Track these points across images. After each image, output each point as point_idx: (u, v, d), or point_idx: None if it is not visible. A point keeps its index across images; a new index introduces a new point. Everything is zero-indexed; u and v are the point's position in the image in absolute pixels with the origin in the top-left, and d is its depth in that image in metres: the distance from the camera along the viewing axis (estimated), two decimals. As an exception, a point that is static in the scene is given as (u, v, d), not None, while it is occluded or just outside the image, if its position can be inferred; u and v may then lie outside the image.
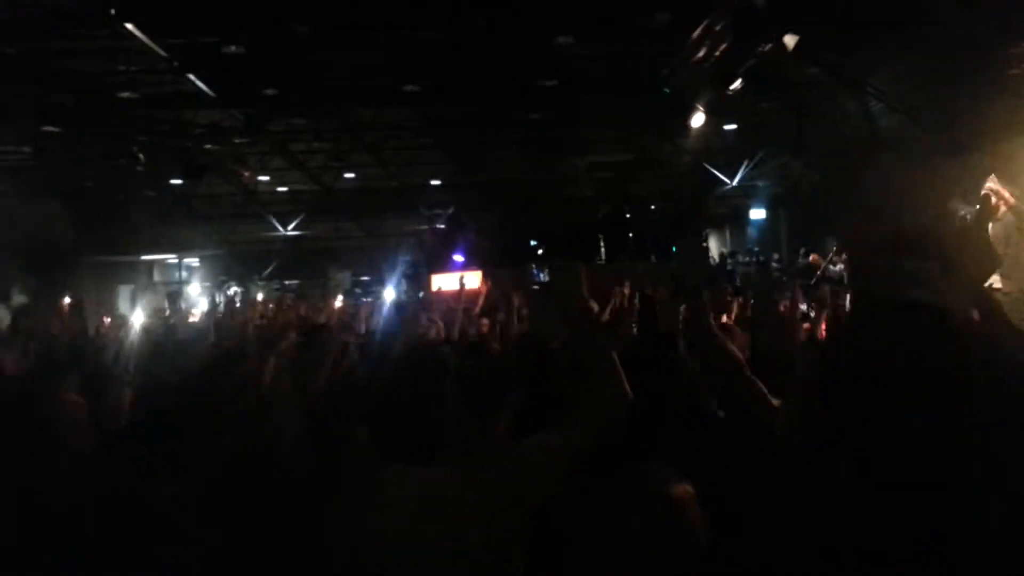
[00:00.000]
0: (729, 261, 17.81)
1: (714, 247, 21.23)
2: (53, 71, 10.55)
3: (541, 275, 14.83)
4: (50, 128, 11.89)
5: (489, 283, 7.12)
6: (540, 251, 20.54)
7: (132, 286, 19.07)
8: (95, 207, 16.73)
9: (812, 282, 9.81)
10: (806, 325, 4.72)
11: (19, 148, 13.16)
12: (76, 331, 5.48)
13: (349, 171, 17.89)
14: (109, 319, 7.45)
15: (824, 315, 4.73)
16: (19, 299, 14.06)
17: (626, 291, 5.14)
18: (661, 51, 10.78)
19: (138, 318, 8.35)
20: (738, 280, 13.36)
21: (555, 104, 12.69)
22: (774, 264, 15.48)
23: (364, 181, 19.04)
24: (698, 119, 11.65)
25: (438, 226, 20.05)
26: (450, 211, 20.08)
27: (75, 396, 2.55)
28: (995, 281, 5.96)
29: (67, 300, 7.70)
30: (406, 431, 2.08)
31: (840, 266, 9.35)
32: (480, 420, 1.98)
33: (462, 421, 1.99)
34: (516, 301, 4.80)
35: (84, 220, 17.35)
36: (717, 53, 10.12)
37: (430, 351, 2.72)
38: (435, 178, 19.43)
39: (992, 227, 9.31)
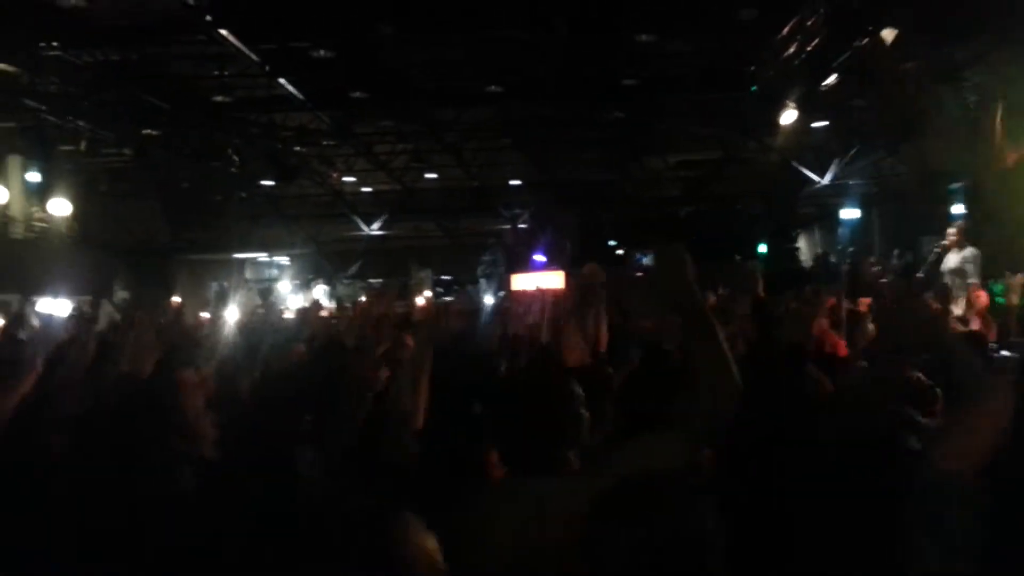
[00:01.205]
0: (832, 260, 17.20)
1: (804, 248, 20.55)
2: (153, 76, 11.03)
3: (644, 259, 14.63)
4: (150, 131, 12.46)
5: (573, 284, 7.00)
6: (619, 251, 20.34)
7: (225, 283, 19.83)
8: (190, 207, 17.44)
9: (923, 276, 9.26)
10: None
11: (121, 151, 13.81)
12: (186, 325, 5.74)
13: (431, 172, 18.14)
14: (207, 315, 7.78)
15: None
16: (121, 295, 14.82)
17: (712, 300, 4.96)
18: (748, 47, 10.51)
19: (232, 314, 8.67)
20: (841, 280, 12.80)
21: (637, 103, 12.53)
22: (873, 268, 14.87)
23: (445, 181, 19.29)
24: (788, 116, 11.29)
25: (519, 226, 20.09)
26: (530, 211, 20.10)
27: (197, 380, 2.69)
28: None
29: (176, 299, 8.06)
30: (522, 440, 2.06)
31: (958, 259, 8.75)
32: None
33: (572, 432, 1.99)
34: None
35: (180, 220, 18.12)
36: (809, 48, 9.82)
37: (552, 360, 2.71)
38: (515, 178, 19.51)
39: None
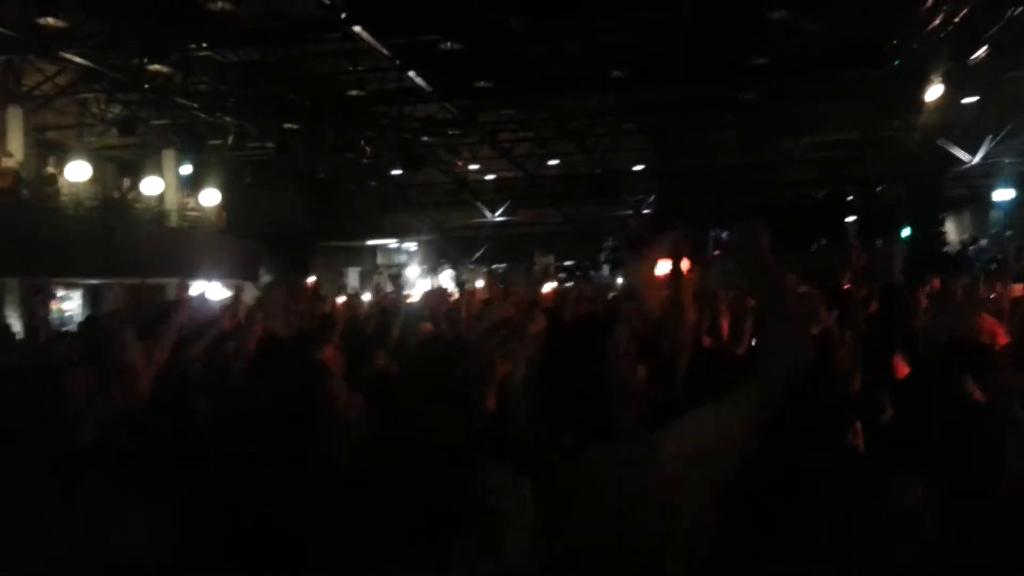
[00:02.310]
0: (971, 249, 16.04)
1: (952, 232, 19.15)
2: (293, 74, 11.64)
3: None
4: (290, 125, 13.15)
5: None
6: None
7: (359, 268, 20.72)
8: (326, 197, 18.29)
9: None
10: None
11: (264, 144, 14.64)
12: (321, 306, 6.11)
13: (553, 158, 18.20)
14: (343, 298, 8.21)
15: None
16: (266, 279, 15.75)
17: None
18: (889, 21, 9.94)
19: (366, 297, 9.09)
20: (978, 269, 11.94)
21: (767, 83, 12.10)
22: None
23: (567, 168, 19.30)
24: (934, 92, 10.61)
25: (643, 211, 19.85)
26: (654, 197, 19.82)
27: (335, 354, 2.91)
28: None
29: (311, 279, 8.50)
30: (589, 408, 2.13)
31: None
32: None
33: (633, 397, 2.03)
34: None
35: (316, 208, 19.05)
36: (957, 19, 9.20)
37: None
38: (638, 164, 19.27)
39: None
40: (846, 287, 5.24)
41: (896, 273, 9.99)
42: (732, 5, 9.15)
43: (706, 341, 3.49)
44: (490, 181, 20.61)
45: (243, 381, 3.10)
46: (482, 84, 11.70)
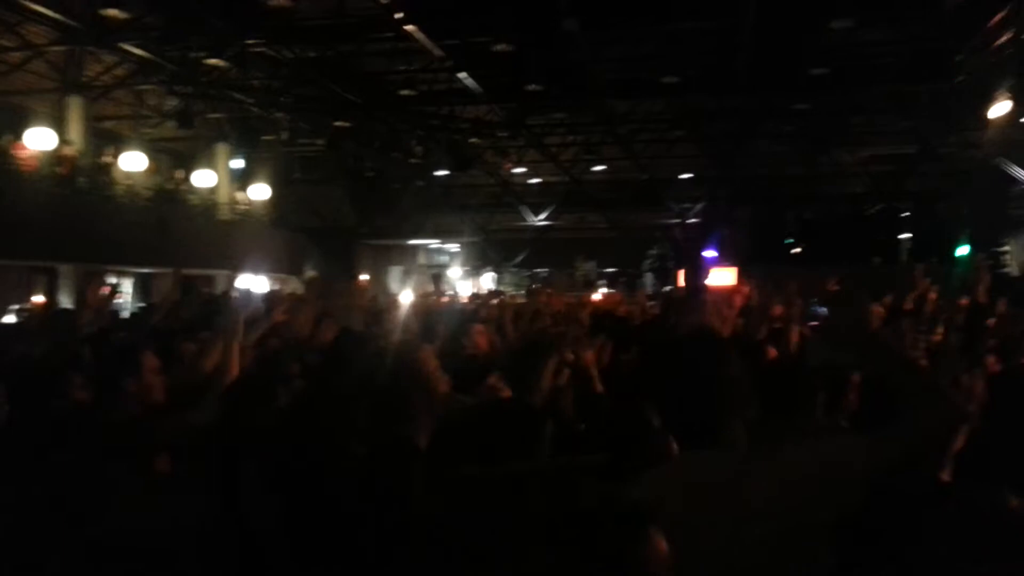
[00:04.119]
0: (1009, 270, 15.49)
1: (1014, 253, 18.50)
2: (346, 72, 11.72)
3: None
4: (341, 123, 13.26)
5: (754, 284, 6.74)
6: (795, 250, 19.35)
7: (402, 267, 20.83)
8: (373, 194, 18.42)
9: None
10: None
11: (314, 141, 14.79)
12: (369, 304, 6.14)
13: (599, 163, 18.07)
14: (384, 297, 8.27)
15: None
16: (310, 274, 15.91)
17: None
18: (954, 35, 9.67)
19: (407, 296, 9.09)
20: None
21: (825, 94, 11.86)
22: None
23: (613, 173, 19.15)
24: (999, 108, 10.27)
25: (690, 220, 19.61)
26: (702, 206, 19.57)
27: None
28: None
29: (364, 277, 8.55)
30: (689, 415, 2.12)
31: None
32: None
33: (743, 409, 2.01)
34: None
35: (363, 206, 19.20)
36: (1023, 36, 8.90)
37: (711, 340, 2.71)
38: (686, 171, 19.04)
39: None
40: (907, 307, 5.07)
41: (982, 292, 9.69)
42: (795, 13, 8.96)
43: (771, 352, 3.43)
44: (535, 185, 20.55)
45: (324, 370, 3.18)
46: (532, 87, 11.66)
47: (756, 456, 1.84)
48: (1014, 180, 15.51)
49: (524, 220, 21.43)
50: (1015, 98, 10.19)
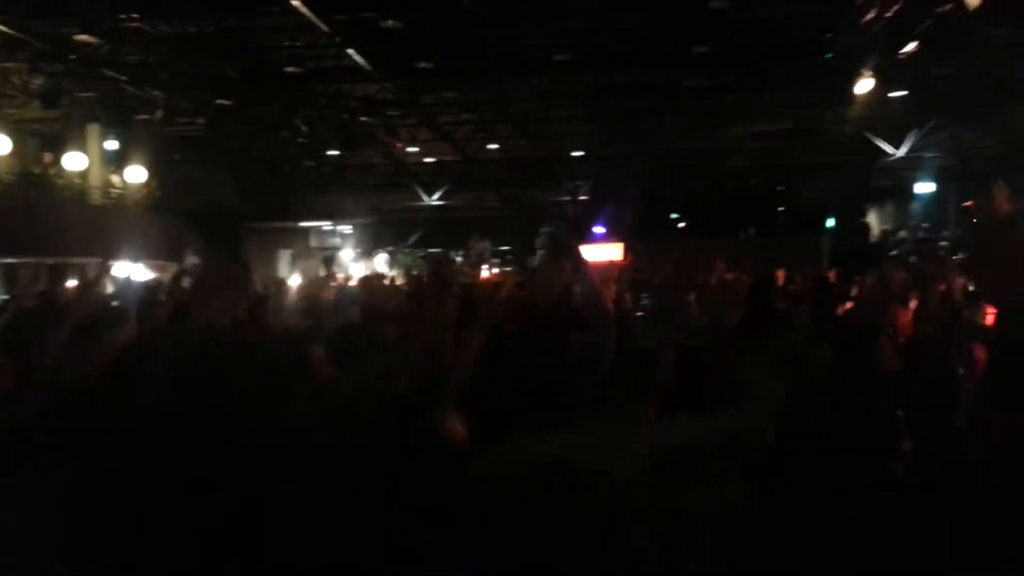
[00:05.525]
0: (902, 235, 16.68)
1: (873, 223, 19.90)
2: (227, 47, 11.23)
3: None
4: (223, 101, 12.72)
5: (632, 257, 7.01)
6: (681, 224, 20.07)
7: (291, 250, 20.26)
8: (260, 176, 17.80)
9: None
10: None
11: (195, 120, 14.14)
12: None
13: (493, 142, 18.12)
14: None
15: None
16: (191, 260, 15.27)
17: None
18: (825, 14, 10.19)
19: (295, 281, 8.86)
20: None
21: (708, 72, 12.27)
22: (942, 243, 14.40)
23: (507, 152, 19.24)
24: (864, 85, 10.93)
25: (580, 197, 19.97)
26: (591, 183, 19.95)
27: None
28: None
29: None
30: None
31: None
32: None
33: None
34: None
35: (249, 188, 18.53)
36: (889, 14, 9.47)
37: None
38: (578, 149, 19.34)
39: None
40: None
41: (823, 266, 10.39)
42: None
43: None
44: (429, 164, 20.39)
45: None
46: (423, 65, 11.53)
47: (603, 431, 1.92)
48: (878, 153, 16.59)
49: (419, 200, 21.26)
50: (878, 75, 10.89)
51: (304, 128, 14.04)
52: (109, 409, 2.48)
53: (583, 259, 3.18)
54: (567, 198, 20.52)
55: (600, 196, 18.97)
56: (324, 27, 9.88)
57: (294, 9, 9.18)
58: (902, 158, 16.43)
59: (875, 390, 2.78)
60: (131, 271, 12.77)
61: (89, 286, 4.40)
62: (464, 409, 2.23)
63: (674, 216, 20.14)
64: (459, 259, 18.48)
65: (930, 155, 16.55)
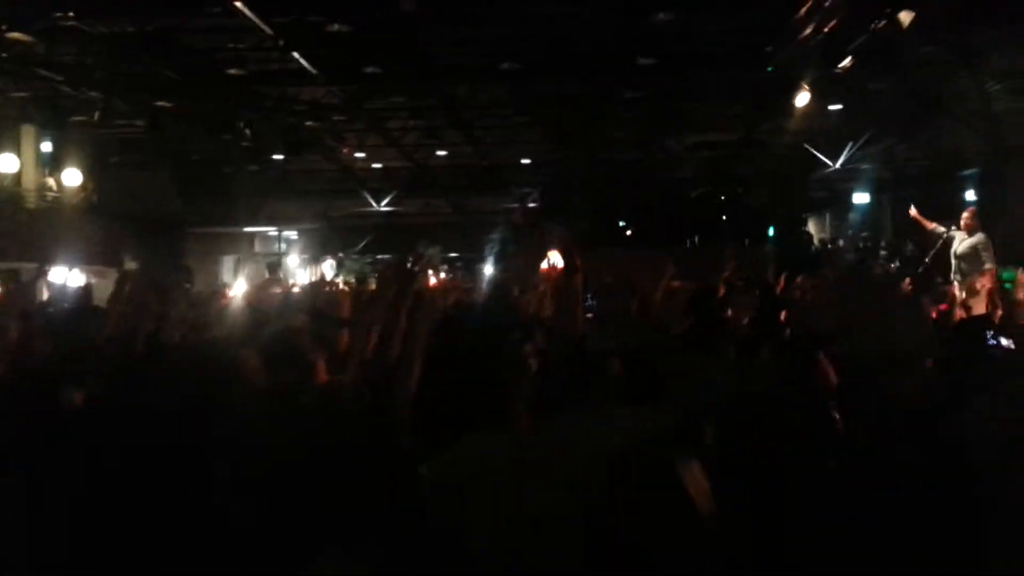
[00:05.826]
0: (841, 244, 17.19)
1: (813, 232, 20.48)
2: (167, 48, 10.99)
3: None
4: (163, 103, 12.45)
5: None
6: (629, 232, 20.28)
7: (235, 256, 19.89)
8: (202, 180, 17.45)
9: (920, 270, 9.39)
10: None
11: (133, 122, 13.81)
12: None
13: (442, 149, 18.07)
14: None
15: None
16: (130, 265, 14.88)
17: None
18: (766, 27, 10.44)
19: (240, 287, 8.70)
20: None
21: (653, 82, 12.47)
22: (881, 252, 14.87)
23: (456, 159, 19.21)
24: (802, 98, 11.23)
25: (528, 205, 20.06)
26: (539, 190, 20.07)
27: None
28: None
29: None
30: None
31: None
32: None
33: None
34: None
35: (191, 192, 18.14)
36: (826, 29, 9.74)
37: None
38: (527, 157, 19.43)
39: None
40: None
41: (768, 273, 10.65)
42: (622, 4, 9.34)
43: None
44: (377, 170, 20.24)
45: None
46: (370, 69, 11.45)
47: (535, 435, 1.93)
48: (816, 164, 17.07)
49: (367, 206, 21.08)
50: (816, 88, 11.20)
51: (247, 132, 13.80)
52: (39, 417, 2.42)
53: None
54: (516, 205, 20.60)
55: (548, 203, 19.08)
56: (268, 29, 9.74)
57: (237, 10, 9.03)
58: (839, 169, 16.93)
59: (815, 398, 2.85)
60: (68, 277, 12.42)
61: (21, 291, 4.26)
62: (412, 413, 2.21)
63: (622, 224, 20.37)
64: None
65: (866, 167, 17.07)
